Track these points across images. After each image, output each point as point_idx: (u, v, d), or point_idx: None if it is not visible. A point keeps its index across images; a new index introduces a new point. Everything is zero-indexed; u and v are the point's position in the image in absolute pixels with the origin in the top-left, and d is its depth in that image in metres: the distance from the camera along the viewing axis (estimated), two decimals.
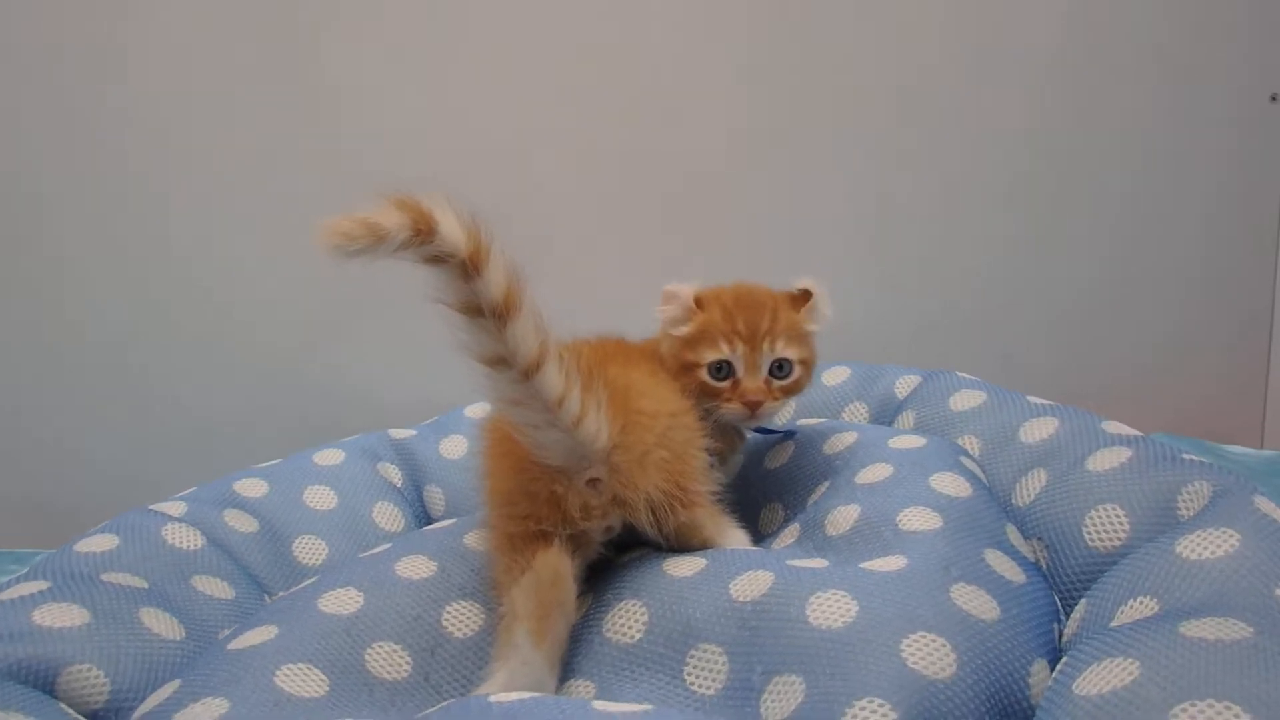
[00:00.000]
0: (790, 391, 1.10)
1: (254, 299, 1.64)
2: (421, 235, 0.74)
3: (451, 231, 0.76)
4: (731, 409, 1.06)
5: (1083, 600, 0.86)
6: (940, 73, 1.61)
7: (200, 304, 1.64)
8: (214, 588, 1.04)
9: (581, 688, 0.85)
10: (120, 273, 1.62)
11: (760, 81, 1.61)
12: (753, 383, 1.06)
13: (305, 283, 1.63)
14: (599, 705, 0.67)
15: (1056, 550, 0.94)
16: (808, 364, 1.11)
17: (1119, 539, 0.90)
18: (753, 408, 1.06)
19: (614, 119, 1.61)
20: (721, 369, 1.07)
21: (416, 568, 0.96)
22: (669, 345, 1.10)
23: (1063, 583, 0.92)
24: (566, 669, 0.86)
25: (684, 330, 1.08)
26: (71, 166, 1.59)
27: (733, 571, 0.88)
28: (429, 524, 1.29)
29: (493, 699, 0.70)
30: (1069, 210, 1.66)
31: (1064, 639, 0.84)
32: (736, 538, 0.98)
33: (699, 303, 1.10)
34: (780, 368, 1.08)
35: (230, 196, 1.61)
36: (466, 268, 0.77)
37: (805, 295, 1.11)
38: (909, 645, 0.74)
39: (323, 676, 0.83)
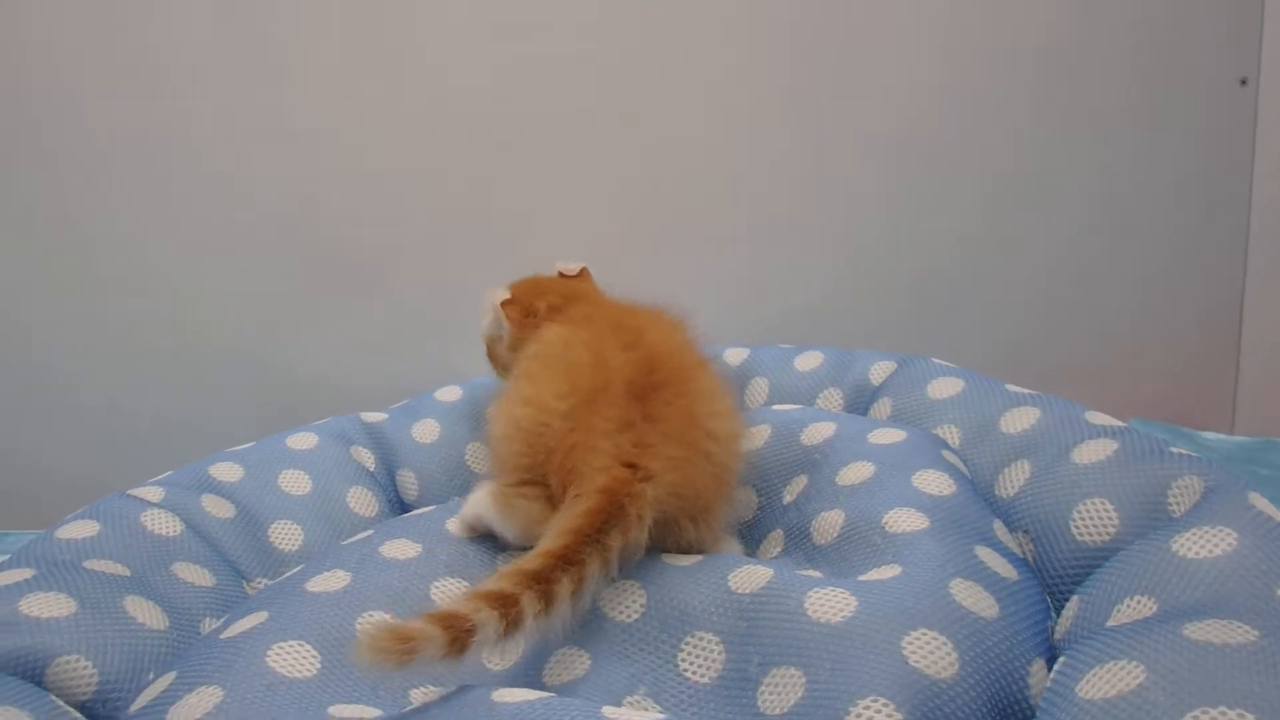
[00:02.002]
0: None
1: (213, 283, 1.60)
2: (459, 643, 0.71)
3: (490, 628, 0.73)
4: None
5: (1075, 597, 0.85)
6: (916, 65, 1.59)
7: (161, 289, 1.60)
8: (194, 575, 1.01)
9: (575, 656, 0.84)
10: (78, 261, 1.58)
11: (748, 68, 1.59)
12: None
13: (264, 268, 1.59)
14: (609, 712, 0.66)
15: (1043, 544, 0.93)
16: (488, 352, 1.25)
17: (1108, 533, 0.89)
18: None
19: (597, 99, 1.58)
20: None
21: (401, 549, 0.95)
22: None
23: (1050, 577, 0.91)
24: (563, 636, 0.84)
25: None
26: (29, 155, 1.54)
27: (730, 565, 0.87)
28: (403, 509, 1.28)
29: (496, 697, 0.69)
30: (1037, 194, 1.65)
31: (1056, 637, 0.83)
32: (731, 547, 0.98)
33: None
34: None
35: (190, 180, 1.56)
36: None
37: None
38: (910, 643, 0.73)
39: (314, 652, 0.82)
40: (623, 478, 0.87)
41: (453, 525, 0.99)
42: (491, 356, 1.25)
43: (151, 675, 0.86)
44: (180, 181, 1.56)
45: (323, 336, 1.63)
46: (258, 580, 1.09)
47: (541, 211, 1.60)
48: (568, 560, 0.80)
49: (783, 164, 1.61)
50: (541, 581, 0.78)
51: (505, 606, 0.74)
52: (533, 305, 1.19)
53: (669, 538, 0.92)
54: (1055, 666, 0.75)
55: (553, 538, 0.82)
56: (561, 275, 1.28)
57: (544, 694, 0.70)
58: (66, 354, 1.62)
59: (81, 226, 1.57)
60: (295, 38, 1.52)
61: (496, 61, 1.54)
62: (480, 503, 0.96)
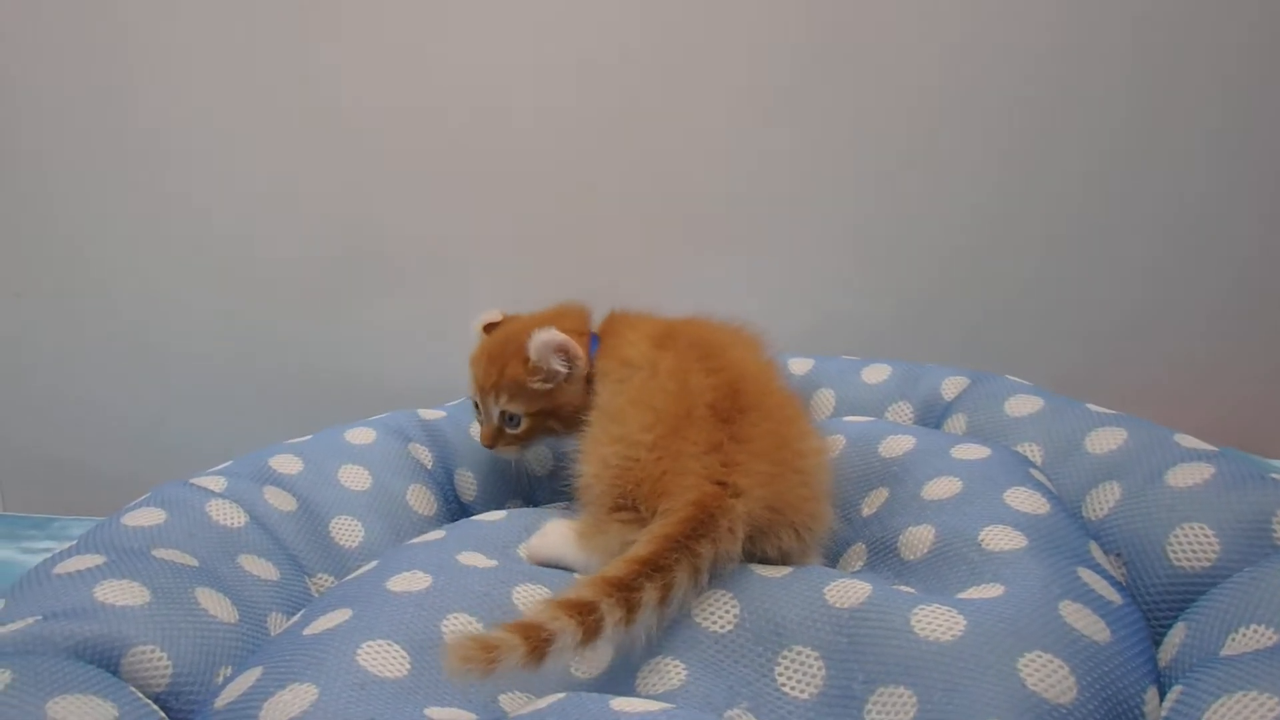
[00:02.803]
0: (525, 438, 1.14)
1: (237, 282, 1.60)
2: (538, 651, 0.73)
3: (567, 636, 0.74)
4: None
5: (1180, 624, 0.83)
6: (980, 70, 1.56)
7: (180, 290, 1.60)
8: (260, 568, 0.99)
9: (671, 666, 0.82)
10: (99, 261, 1.59)
11: (767, 69, 1.55)
12: (485, 429, 1.15)
13: (294, 264, 1.58)
14: None
15: (1137, 568, 0.91)
16: (545, 412, 1.13)
17: (1208, 560, 0.87)
18: (490, 447, 1.16)
19: (617, 101, 1.55)
20: (477, 405, 1.17)
21: (476, 559, 0.95)
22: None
23: (1145, 602, 0.89)
24: (656, 646, 0.83)
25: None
26: (39, 154, 1.54)
27: (824, 578, 0.85)
28: (460, 508, 1.26)
29: (616, 706, 0.67)
30: (1110, 215, 1.62)
31: (1161, 664, 0.81)
32: (814, 560, 0.97)
33: (486, 331, 1.20)
34: (510, 419, 1.13)
35: (219, 176, 1.55)
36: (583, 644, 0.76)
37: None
38: (1026, 665, 0.71)
39: (403, 653, 0.80)
40: (713, 492, 0.87)
41: (523, 553, 0.98)
42: (554, 411, 1.14)
43: (227, 670, 0.84)
44: (207, 169, 1.55)
45: (342, 336, 1.62)
46: (320, 576, 1.07)
47: (553, 214, 1.58)
48: (655, 566, 0.80)
49: (806, 167, 1.58)
50: (623, 589, 0.78)
51: (583, 614, 0.75)
52: (583, 329, 1.17)
53: (768, 545, 0.91)
54: (1170, 695, 0.73)
55: (642, 544, 0.82)
56: (486, 328, 1.22)
57: (665, 705, 0.68)
58: (87, 353, 1.62)
59: (100, 224, 1.57)
60: (316, 41, 1.50)
61: (515, 63, 1.52)
62: (558, 545, 0.97)
